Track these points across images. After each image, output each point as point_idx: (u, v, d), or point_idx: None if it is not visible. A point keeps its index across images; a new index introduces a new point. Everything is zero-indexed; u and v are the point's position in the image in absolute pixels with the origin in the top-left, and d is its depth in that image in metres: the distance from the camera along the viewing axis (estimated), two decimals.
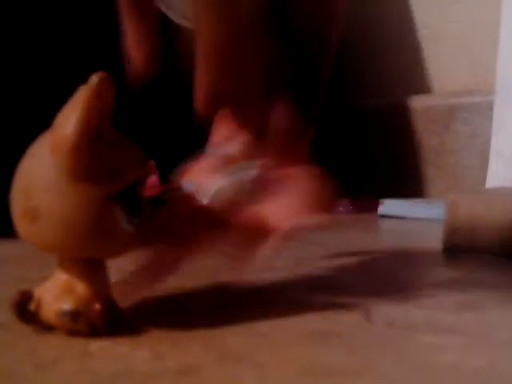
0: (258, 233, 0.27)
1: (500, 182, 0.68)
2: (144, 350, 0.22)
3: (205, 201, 0.27)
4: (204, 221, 0.27)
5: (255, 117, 0.27)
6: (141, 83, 0.28)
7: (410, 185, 0.90)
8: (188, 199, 0.27)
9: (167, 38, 0.28)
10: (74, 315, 0.23)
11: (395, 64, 0.96)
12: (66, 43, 0.65)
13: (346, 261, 0.43)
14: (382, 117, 0.94)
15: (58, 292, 0.24)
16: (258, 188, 0.27)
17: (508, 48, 0.71)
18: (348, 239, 0.57)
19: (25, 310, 0.24)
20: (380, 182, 0.94)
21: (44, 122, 0.24)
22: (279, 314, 0.27)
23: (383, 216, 0.75)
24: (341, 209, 0.83)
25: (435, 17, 0.92)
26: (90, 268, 0.24)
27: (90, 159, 0.22)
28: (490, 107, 0.76)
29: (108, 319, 0.24)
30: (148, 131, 0.62)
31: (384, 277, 0.37)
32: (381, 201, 0.77)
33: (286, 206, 0.26)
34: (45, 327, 0.24)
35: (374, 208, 0.77)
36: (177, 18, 0.29)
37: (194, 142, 0.29)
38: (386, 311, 0.27)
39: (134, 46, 0.28)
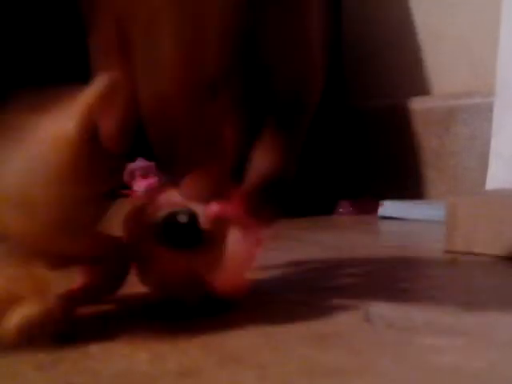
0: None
1: (500, 184, 0.68)
2: (144, 352, 0.22)
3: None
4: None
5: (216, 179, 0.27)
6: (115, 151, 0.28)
7: (409, 186, 0.90)
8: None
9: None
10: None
11: (395, 65, 0.97)
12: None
13: (345, 261, 0.43)
14: (381, 118, 0.94)
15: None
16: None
17: (508, 49, 0.71)
18: (348, 240, 0.57)
19: None
20: (380, 183, 0.94)
21: None
22: (279, 315, 0.27)
23: (383, 217, 0.75)
24: (341, 210, 0.83)
25: (435, 18, 0.92)
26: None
27: (84, 158, 0.22)
28: (490, 109, 0.76)
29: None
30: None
31: (384, 278, 0.37)
32: (381, 202, 0.77)
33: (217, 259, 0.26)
34: None
35: (374, 209, 0.77)
36: None
37: None
38: (386, 312, 0.27)
39: (106, 116, 0.28)
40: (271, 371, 0.20)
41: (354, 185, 0.94)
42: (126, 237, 0.27)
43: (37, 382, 0.19)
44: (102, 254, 0.26)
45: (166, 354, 0.22)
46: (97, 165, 0.23)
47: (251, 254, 0.26)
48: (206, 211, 0.27)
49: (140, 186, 0.60)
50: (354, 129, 0.96)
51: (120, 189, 0.60)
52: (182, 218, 0.26)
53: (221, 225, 0.26)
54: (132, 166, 0.61)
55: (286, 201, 0.30)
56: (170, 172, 0.26)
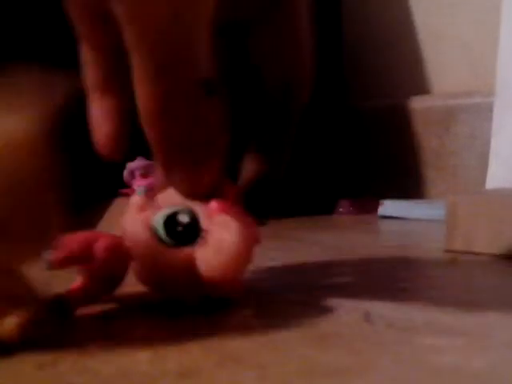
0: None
1: (500, 183, 0.68)
2: (144, 352, 0.22)
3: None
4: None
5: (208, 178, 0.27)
6: (111, 158, 0.28)
7: (409, 186, 0.90)
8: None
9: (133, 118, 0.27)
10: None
11: (395, 64, 0.96)
12: None
13: (345, 261, 0.43)
14: (381, 117, 0.94)
15: None
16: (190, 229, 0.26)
17: (508, 49, 0.71)
18: (348, 240, 0.57)
19: None
20: (380, 182, 0.94)
21: None
22: (279, 315, 0.27)
23: (383, 217, 0.75)
24: (341, 210, 0.83)
25: (435, 17, 0.92)
26: None
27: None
28: (490, 108, 0.76)
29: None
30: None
31: (384, 278, 0.37)
32: (381, 201, 0.77)
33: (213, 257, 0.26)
34: None
35: (374, 209, 0.77)
36: None
37: None
38: (386, 312, 0.27)
39: (98, 122, 0.28)
40: (271, 371, 0.20)
41: (354, 184, 0.94)
42: (125, 235, 0.27)
43: (37, 382, 0.19)
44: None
45: (165, 354, 0.22)
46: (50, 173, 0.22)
47: (248, 251, 0.26)
48: (206, 209, 0.27)
49: (140, 185, 0.60)
50: (354, 128, 0.96)
51: (120, 188, 0.59)
52: (183, 218, 0.26)
53: (219, 222, 0.26)
54: (132, 165, 0.61)
55: (276, 199, 0.30)
56: (168, 171, 0.27)
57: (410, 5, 0.95)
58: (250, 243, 0.26)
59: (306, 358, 0.21)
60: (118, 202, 0.57)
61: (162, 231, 0.26)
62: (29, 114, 0.22)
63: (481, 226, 0.43)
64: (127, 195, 0.59)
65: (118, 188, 0.61)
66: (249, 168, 0.30)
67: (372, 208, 0.78)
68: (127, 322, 0.27)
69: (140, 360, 0.21)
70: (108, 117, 0.28)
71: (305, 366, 0.20)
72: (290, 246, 0.52)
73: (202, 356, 0.21)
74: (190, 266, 0.26)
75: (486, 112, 0.80)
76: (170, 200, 0.27)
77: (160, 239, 0.26)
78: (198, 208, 0.27)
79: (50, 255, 0.26)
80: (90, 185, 0.62)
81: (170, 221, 0.26)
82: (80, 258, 0.27)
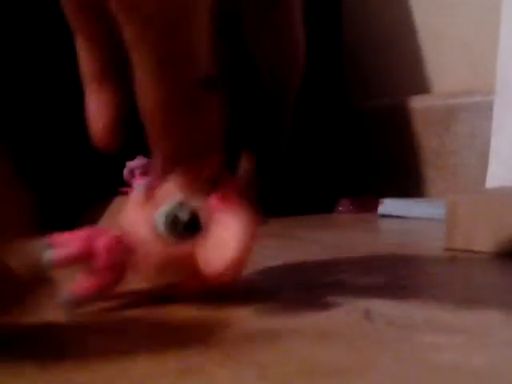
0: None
1: (500, 183, 0.68)
2: (144, 350, 0.22)
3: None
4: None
5: (209, 171, 0.27)
6: (108, 150, 0.28)
7: (409, 185, 0.90)
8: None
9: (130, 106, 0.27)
10: None
11: (395, 64, 0.96)
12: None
13: (345, 260, 0.43)
14: (381, 117, 0.94)
15: None
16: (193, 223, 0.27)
17: (508, 49, 0.71)
18: (348, 239, 0.57)
19: None
20: (380, 181, 0.94)
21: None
22: (279, 313, 0.27)
23: (383, 215, 0.75)
24: (340, 208, 0.83)
25: (435, 17, 0.92)
26: None
27: None
28: (490, 107, 0.76)
29: None
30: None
31: (384, 276, 0.37)
32: (381, 200, 0.77)
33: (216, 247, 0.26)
34: None
35: (374, 207, 0.77)
36: None
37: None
38: (386, 310, 0.27)
39: (95, 115, 0.28)
40: (271, 370, 0.20)
41: (353, 183, 0.94)
42: (126, 231, 0.27)
43: (37, 381, 0.19)
44: None
45: (166, 353, 0.22)
46: None
47: (248, 247, 0.27)
48: (206, 205, 0.27)
49: (139, 183, 0.60)
50: (354, 128, 0.96)
51: (120, 187, 0.59)
52: (183, 216, 0.26)
53: (219, 218, 0.26)
54: (131, 164, 0.61)
55: (277, 185, 0.31)
56: (168, 165, 0.27)
57: (409, 5, 0.95)
58: (249, 239, 0.26)
59: (306, 357, 0.21)
60: (118, 201, 0.57)
61: (162, 228, 0.26)
62: None
63: (481, 225, 0.43)
64: (127, 194, 0.59)
65: (117, 187, 0.61)
66: (247, 160, 0.31)
67: (372, 207, 0.78)
68: (127, 320, 0.27)
69: (140, 359, 0.21)
70: (105, 109, 0.28)
71: (305, 365, 0.20)
72: (290, 245, 0.52)
73: (202, 355, 0.21)
74: (191, 261, 0.26)
75: (485, 111, 0.80)
76: (170, 196, 0.27)
77: (161, 235, 0.26)
78: (198, 203, 0.27)
79: (51, 254, 0.26)
80: (89, 183, 0.62)
81: (171, 218, 0.26)
82: (81, 256, 0.27)
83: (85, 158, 0.64)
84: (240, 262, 0.26)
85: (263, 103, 0.31)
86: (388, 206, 0.76)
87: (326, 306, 0.28)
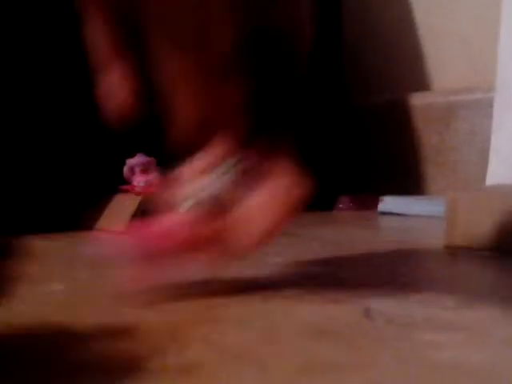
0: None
1: (500, 180, 0.68)
2: (144, 347, 0.22)
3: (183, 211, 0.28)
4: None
5: (238, 136, 0.29)
6: (127, 124, 0.29)
7: (410, 182, 0.90)
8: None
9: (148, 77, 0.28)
10: None
11: (395, 62, 0.96)
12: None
13: (345, 257, 0.43)
14: (382, 114, 0.94)
15: None
16: (240, 184, 0.28)
17: (508, 47, 0.71)
18: (348, 236, 0.57)
19: None
20: (380, 179, 0.94)
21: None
22: (279, 310, 0.27)
23: (383, 213, 0.75)
24: (341, 206, 0.83)
25: (435, 14, 0.92)
26: None
27: None
28: (489, 104, 0.76)
29: None
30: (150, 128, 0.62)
31: (384, 274, 0.37)
32: (381, 198, 0.77)
33: (262, 208, 0.27)
34: None
35: (374, 205, 0.77)
36: None
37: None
38: (386, 308, 0.27)
39: (110, 94, 0.28)
40: (271, 366, 0.20)
41: (354, 180, 0.94)
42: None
43: (39, 376, 0.19)
44: None
45: (165, 350, 0.22)
46: None
47: (278, 218, 0.29)
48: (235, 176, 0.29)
49: (139, 181, 0.60)
50: (355, 125, 0.96)
51: (120, 184, 0.60)
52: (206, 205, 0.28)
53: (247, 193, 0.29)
54: (131, 161, 0.61)
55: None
56: (188, 148, 0.28)
57: (409, 1, 0.95)
58: (279, 211, 0.29)
59: (305, 354, 0.21)
60: (118, 199, 0.57)
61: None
62: None
63: (480, 223, 0.43)
64: (127, 191, 0.60)
65: (118, 184, 0.61)
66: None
67: (372, 204, 0.78)
68: (128, 318, 0.27)
69: (140, 355, 0.21)
70: (120, 85, 0.28)
71: (305, 362, 0.20)
72: (290, 242, 0.52)
73: (202, 351, 0.21)
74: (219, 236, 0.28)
75: (486, 108, 0.80)
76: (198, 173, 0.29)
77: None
78: (224, 179, 0.28)
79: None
80: (90, 181, 0.62)
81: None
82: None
83: (85, 157, 0.64)
84: (268, 235, 0.30)
85: (281, 68, 0.32)
86: (388, 203, 0.76)
87: (325, 304, 0.28)
